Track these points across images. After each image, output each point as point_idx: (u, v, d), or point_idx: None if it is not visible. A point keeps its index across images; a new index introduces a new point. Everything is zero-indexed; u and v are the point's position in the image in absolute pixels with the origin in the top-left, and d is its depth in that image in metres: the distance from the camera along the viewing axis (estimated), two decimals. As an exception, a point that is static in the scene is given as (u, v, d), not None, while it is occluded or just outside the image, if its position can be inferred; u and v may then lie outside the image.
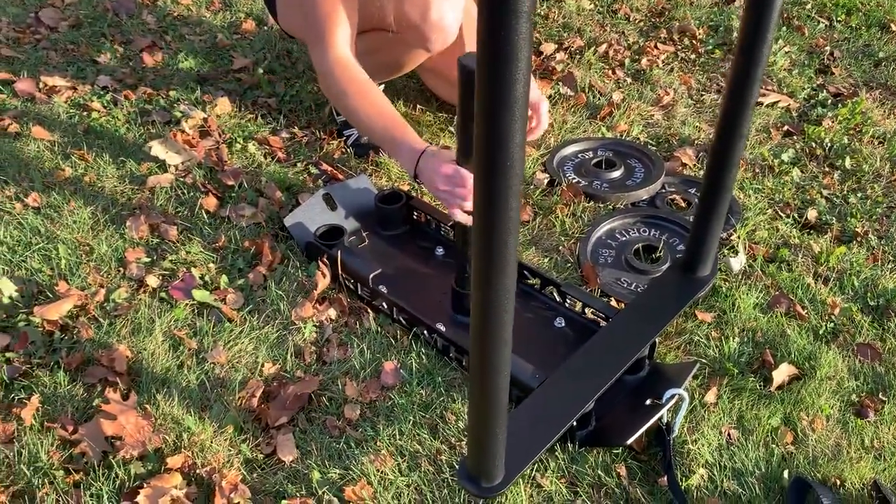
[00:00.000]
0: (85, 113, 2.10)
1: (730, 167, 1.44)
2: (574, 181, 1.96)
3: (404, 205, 1.79)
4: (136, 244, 1.71)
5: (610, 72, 2.50)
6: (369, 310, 1.60)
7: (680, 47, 2.68)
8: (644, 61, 2.56)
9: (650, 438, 1.36)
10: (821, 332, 1.61)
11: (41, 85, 2.19)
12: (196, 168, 1.91)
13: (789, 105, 2.39)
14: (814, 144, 2.21)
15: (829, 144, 2.21)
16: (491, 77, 0.74)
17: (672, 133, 2.23)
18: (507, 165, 0.79)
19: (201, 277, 1.64)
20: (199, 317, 1.56)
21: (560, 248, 1.79)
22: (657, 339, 1.50)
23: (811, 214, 1.94)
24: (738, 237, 1.82)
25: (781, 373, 1.49)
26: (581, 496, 1.28)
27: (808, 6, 2.97)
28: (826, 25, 2.88)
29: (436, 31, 1.71)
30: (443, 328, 1.52)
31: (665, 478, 1.31)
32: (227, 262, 1.68)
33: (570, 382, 1.36)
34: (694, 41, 2.70)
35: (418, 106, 2.23)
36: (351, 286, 1.63)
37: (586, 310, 1.59)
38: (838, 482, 1.33)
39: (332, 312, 1.58)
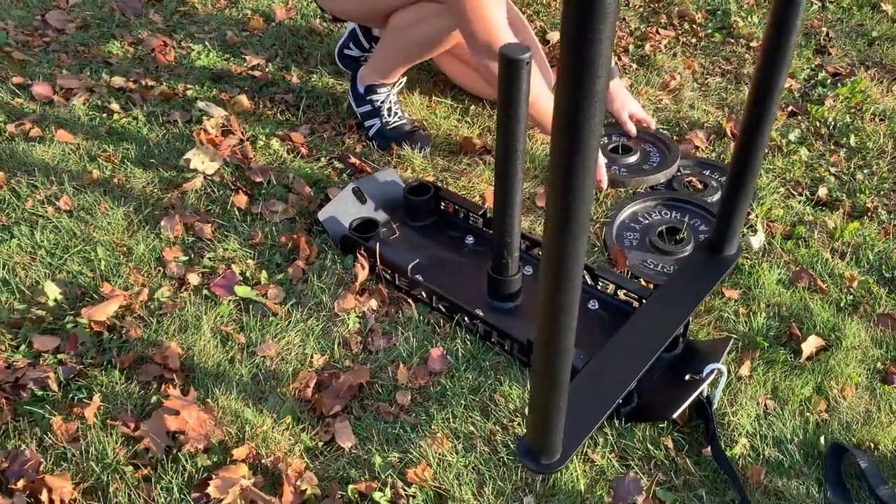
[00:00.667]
0: (105, 115, 2.11)
1: (757, 150, 1.50)
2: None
3: (432, 196, 1.83)
4: (173, 243, 1.73)
5: (615, 58, 2.55)
6: (409, 299, 1.64)
7: (680, 32, 2.74)
8: (647, 47, 2.61)
9: (691, 411, 1.42)
10: (842, 304, 1.68)
11: (57, 88, 2.20)
12: (224, 166, 1.94)
13: (791, 86, 2.45)
14: (818, 124, 2.28)
15: (832, 123, 2.28)
16: (571, 89, 0.79)
17: (681, 117, 2.29)
18: (583, 162, 0.84)
19: (241, 273, 1.67)
20: (243, 312, 1.59)
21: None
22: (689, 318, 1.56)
23: (822, 192, 2.00)
24: (756, 216, 1.89)
25: (810, 344, 1.55)
26: (633, 468, 1.33)
27: (801, -12, 3.03)
28: (819, 6, 2.95)
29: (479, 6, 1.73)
30: (481, 314, 1.58)
31: (709, 448, 1.37)
32: (265, 258, 1.72)
33: (614, 362, 1.41)
34: (694, 25, 2.76)
35: (433, 97, 2.27)
36: (388, 277, 1.67)
37: (619, 292, 1.64)
38: (872, 445, 1.40)
39: (374, 303, 1.62)
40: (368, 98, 2.06)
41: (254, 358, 1.50)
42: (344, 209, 1.79)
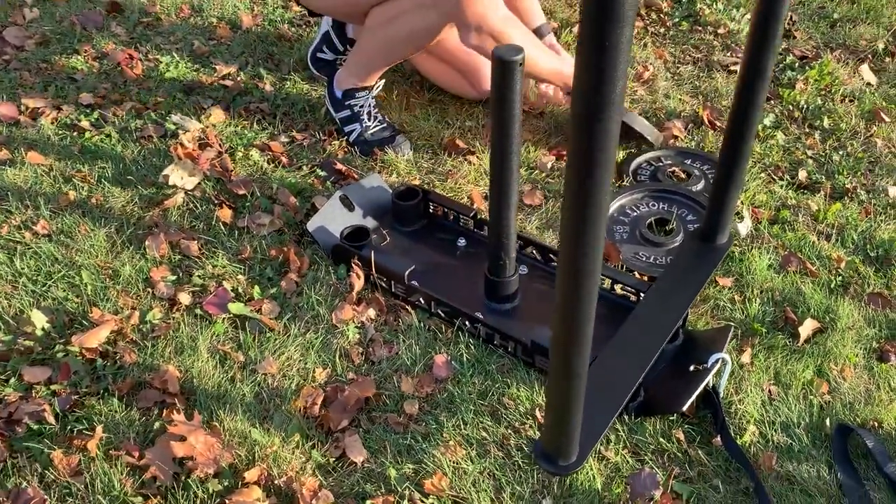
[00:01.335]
0: (75, 133, 2.05)
1: (746, 139, 1.52)
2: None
3: (421, 200, 1.82)
4: (160, 263, 1.69)
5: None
6: (406, 306, 1.63)
7: (648, 21, 2.76)
8: (618, 38, 2.62)
9: (698, 402, 1.43)
10: (832, 286, 1.71)
11: (22, 107, 2.13)
12: (204, 181, 1.90)
13: (761, 71, 2.48)
14: (791, 107, 2.31)
15: (805, 106, 2.31)
16: (588, 95, 0.78)
17: (658, 107, 2.30)
18: (602, 164, 0.83)
19: (233, 290, 1.63)
20: (239, 330, 1.56)
21: (576, 228, 1.84)
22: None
23: (802, 175, 2.04)
24: (742, 202, 1.91)
25: (806, 328, 1.58)
26: (648, 463, 1.34)
27: (761, -27, 3.07)
28: (780, -9, 2.99)
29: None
30: (481, 316, 1.57)
31: (718, 438, 1.38)
32: (256, 273, 1.68)
33: (620, 358, 1.42)
34: (661, 15, 2.78)
35: (411, 98, 2.25)
36: (384, 285, 1.65)
37: (615, 286, 1.64)
38: (876, 424, 1.42)
39: (372, 312, 1.60)
40: (347, 103, 2.02)
41: (255, 376, 1.47)
42: (332, 218, 1.77)
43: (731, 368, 1.46)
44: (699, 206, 1.90)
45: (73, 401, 1.41)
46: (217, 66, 2.33)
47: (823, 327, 1.59)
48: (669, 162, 2.07)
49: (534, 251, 1.73)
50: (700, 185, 1.98)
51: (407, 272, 1.61)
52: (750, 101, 1.47)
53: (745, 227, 1.84)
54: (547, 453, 1.26)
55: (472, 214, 1.78)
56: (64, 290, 1.61)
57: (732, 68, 2.49)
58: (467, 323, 1.56)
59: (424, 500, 1.28)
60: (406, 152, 2.01)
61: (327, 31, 2.26)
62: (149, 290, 1.63)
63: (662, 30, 2.71)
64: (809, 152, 2.13)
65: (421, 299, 1.62)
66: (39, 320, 1.54)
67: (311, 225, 1.74)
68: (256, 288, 1.64)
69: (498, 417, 1.41)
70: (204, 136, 2.03)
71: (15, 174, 1.89)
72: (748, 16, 2.79)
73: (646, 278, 1.72)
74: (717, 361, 1.42)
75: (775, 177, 2.03)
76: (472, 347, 1.53)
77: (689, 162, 2.08)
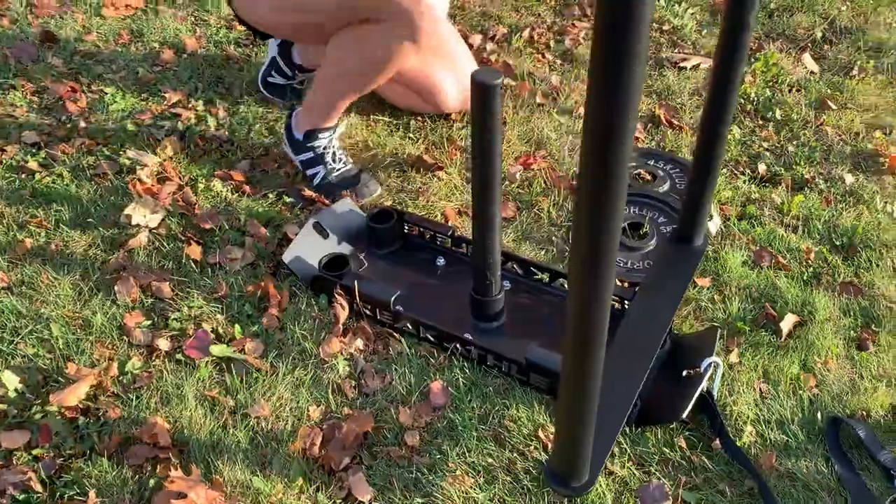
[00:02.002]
0: (24, 175, 1.95)
1: (719, 141, 1.54)
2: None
3: (397, 221, 1.79)
4: (132, 308, 1.62)
5: (540, 56, 2.56)
6: (394, 333, 1.60)
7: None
8: (567, 41, 2.64)
9: (694, 407, 1.45)
10: (805, 278, 1.75)
11: (-38, 151, 2.02)
12: (168, 217, 1.83)
13: (709, 65, 2.53)
14: (743, 100, 2.37)
15: (755, 99, 2.37)
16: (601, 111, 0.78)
17: (615, 108, 2.32)
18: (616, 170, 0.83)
19: (213, 331, 1.58)
20: (225, 372, 1.51)
21: (552, 238, 1.85)
22: (675, 313, 1.59)
23: (761, 168, 2.08)
24: (709, 201, 1.94)
25: (787, 322, 1.61)
26: (654, 474, 1.35)
27: (697, -33, 3.13)
28: (717, -16, 3.06)
29: (428, 16, 1.64)
30: (471, 338, 1.55)
31: (717, 441, 1.40)
32: (235, 311, 1.63)
33: (616, 370, 1.42)
34: (607, 15, 2.80)
35: (372, 116, 2.22)
36: (368, 313, 1.63)
37: (599, 295, 1.65)
38: (864, 413, 1.47)
39: (359, 343, 1.57)
40: (309, 145, 1.94)
41: (247, 420, 1.43)
42: (308, 247, 1.73)
43: (722, 371, 1.48)
44: (668, 208, 1.93)
45: (59, 464, 1.34)
46: (166, 94, 2.26)
47: (803, 321, 1.64)
48: (634, 164, 2.09)
49: (515, 266, 1.72)
50: (666, 186, 2.01)
51: (392, 298, 1.58)
52: (722, 104, 1.49)
53: (714, 226, 1.87)
54: (558, 475, 1.26)
55: (449, 233, 1.76)
56: (34, 346, 1.53)
57: (682, 65, 2.53)
58: (458, 346, 1.55)
59: (439, 534, 1.26)
60: (374, 191, 1.95)
61: (274, 57, 2.20)
62: (124, 338, 1.57)
63: (609, 29, 2.73)
64: (765, 144, 2.19)
65: (408, 325, 1.60)
66: (11, 381, 1.46)
67: (287, 256, 1.69)
68: (237, 327, 1.59)
69: (501, 441, 1.40)
70: (162, 170, 1.95)
71: (-37, 224, 1.79)
72: (690, 10, 2.84)
73: (626, 284, 1.73)
74: (710, 366, 1.44)
75: (737, 172, 2.08)
76: (467, 370, 1.52)
77: (652, 163, 2.10)
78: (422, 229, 1.81)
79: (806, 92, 2.41)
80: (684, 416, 1.39)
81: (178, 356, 1.53)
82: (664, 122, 2.26)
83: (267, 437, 1.40)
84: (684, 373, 1.48)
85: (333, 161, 1.95)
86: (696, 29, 2.74)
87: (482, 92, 1.28)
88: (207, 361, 1.53)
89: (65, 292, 1.64)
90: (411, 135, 2.16)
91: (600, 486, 1.32)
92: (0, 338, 1.55)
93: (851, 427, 1.42)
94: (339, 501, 1.31)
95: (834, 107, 2.33)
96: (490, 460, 1.37)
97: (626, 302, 1.61)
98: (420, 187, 1.98)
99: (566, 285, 1.68)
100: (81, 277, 1.68)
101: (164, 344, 1.55)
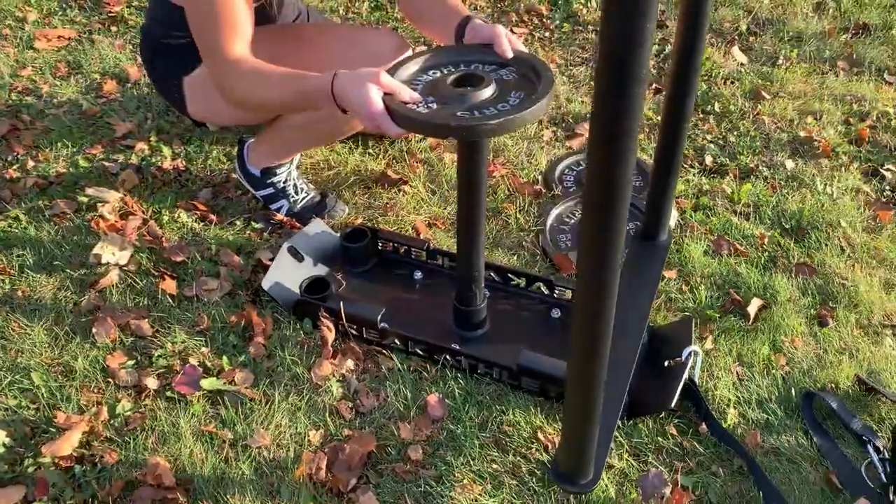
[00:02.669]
0: (-23, 222, 1.89)
1: (680, 139, 1.63)
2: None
3: (371, 239, 1.81)
4: (113, 349, 1.60)
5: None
6: (382, 350, 1.62)
7: (532, 27, 2.85)
8: (509, 47, 2.70)
9: (680, 394, 1.52)
10: (762, 262, 1.86)
11: None
12: (136, 252, 1.80)
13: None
14: (682, 96, 2.47)
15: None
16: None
17: (564, 112, 2.40)
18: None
19: (201, 365, 1.57)
20: (219, 406, 1.50)
21: (522, 243, 1.90)
22: (650, 306, 1.66)
23: (708, 160, 2.19)
24: (666, 196, 2.03)
25: (753, 306, 1.71)
26: (651, 463, 1.41)
27: (622, -32, 3.24)
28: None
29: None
30: (459, 348, 1.59)
31: (704, 426, 1.48)
32: (219, 342, 1.62)
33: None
34: (543, 19, 2.88)
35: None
36: (354, 332, 1.64)
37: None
38: (833, 385, 1.57)
39: (350, 363, 1.59)
40: (269, 181, 1.94)
41: (249, 451, 1.43)
42: (285, 272, 1.73)
43: (701, 358, 1.56)
44: (631, 207, 2.00)
45: (61, 517, 1.31)
46: (115, 126, 2.21)
47: (766, 303, 1.73)
48: (589, 164, 2.16)
49: (492, 273, 1.77)
50: (623, 184, 2.08)
51: (379, 316, 1.60)
52: (680, 104, 1.57)
53: (672, 219, 1.96)
54: (564, 474, 1.31)
55: (425, 247, 1.79)
56: (16, 398, 1.49)
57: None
58: (448, 357, 1.58)
59: (456, 543, 1.29)
60: (341, 213, 1.97)
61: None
62: (110, 380, 1.54)
63: (547, 34, 2.82)
64: (709, 137, 2.30)
65: (396, 341, 1.62)
66: (-2, 436, 1.42)
67: (267, 283, 1.69)
68: (224, 358, 1.58)
69: (503, 447, 1.44)
70: (124, 205, 1.92)
71: (-80, 277, 1.72)
72: (621, 11, 2.94)
73: (598, 282, 1.79)
74: (690, 354, 1.51)
75: (685, 165, 2.17)
76: (460, 380, 1.55)
77: (606, 162, 2.17)
78: (396, 245, 1.83)
79: (739, 84, 2.54)
80: (673, 404, 1.46)
81: (169, 393, 1.52)
82: (612, 121, 2.34)
83: (271, 466, 1.41)
84: (666, 363, 1.55)
85: (295, 193, 1.95)
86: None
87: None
88: (199, 396, 1.52)
89: (39, 339, 1.60)
90: (371, 151, 2.18)
91: (603, 480, 1.38)
92: (-22, 392, 1.50)
93: (824, 399, 1.52)
94: (352, 523, 1.33)
95: (767, 96, 2.46)
96: (495, 466, 1.41)
97: (602, 300, 1.67)
98: (387, 202, 2.00)
99: (543, 288, 1.74)
100: (55, 322, 1.64)
101: (151, 382, 1.53)
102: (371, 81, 1.29)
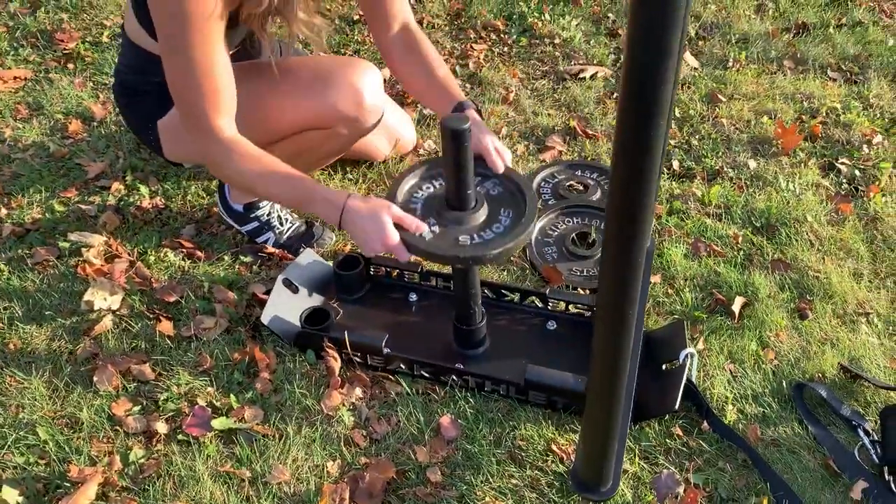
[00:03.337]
0: (-44, 275, 1.84)
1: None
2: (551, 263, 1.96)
3: (364, 266, 1.83)
4: (117, 396, 1.58)
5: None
6: (388, 375, 1.65)
7: (490, 43, 2.91)
8: (471, 65, 2.75)
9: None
10: (739, 261, 1.94)
11: None
12: (127, 296, 1.79)
13: (606, 73, 2.72)
14: (643, 103, 2.56)
15: (653, 100, 2.56)
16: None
17: (532, 125, 2.46)
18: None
19: (209, 405, 1.57)
20: (233, 445, 1.51)
21: (511, 258, 1.95)
22: (642, 312, 1.73)
23: (676, 165, 2.27)
24: (641, 202, 2.10)
25: (737, 305, 1.79)
26: (662, 464, 1.47)
27: (570, -21, 3.33)
28: (592, -7, 3.26)
29: (373, 114, 1.74)
30: (463, 367, 1.63)
31: (705, 423, 1.54)
32: (224, 381, 1.62)
33: (609, 375, 1.54)
34: (500, 34, 2.94)
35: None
36: (359, 359, 1.66)
37: (569, 307, 1.77)
38: (820, 375, 1.66)
39: (358, 391, 1.61)
40: (252, 215, 1.94)
41: (269, 488, 1.44)
42: (283, 305, 1.74)
43: (697, 359, 1.63)
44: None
45: (88, 573, 1.30)
46: (87, 168, 2.18)
47: (749, 301, 1.82)
48: (564, 176, 2.23)
49: (485, 290, 1.80)
50: (598, 194, 2.15)
51: (383, 342, 1.63)
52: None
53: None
54: (585, 483, 1.36)
55: (418, 269, 1.82)
56: (23, 455, 1.47)
57: (581, 76, 2.70)
58: (455, 377, 1.62)
59: (487, 561, 1.33)
60: (329, 241, 1.99)
61: None
62: (118, 429, 1.53)
63: (506, 49, 2.88)
64: (673, 142, 2.38)
65: (402, 365, 1.65)
66: (11, 496, 1.39)
67: (266, 317, 1.70)
68: (232, 396, 1.58)
69: (520, 462, 1.48)
70: (109, 248, 1.90)
71: None
72: (574, 22, 3.02)
73: (587, 292, 1.86)
74: (687, 356, 1.58)
75: (655, 171, 2.25)
76: (470, 399, 1.58)
77: (579, 173, 2.24)
78: (388, 269, 1.86)
79: (696, 88, 2.64)
80: (677, 406, 1.52)
81: (180, 436, 1.51)
82: (580, 132, 2.41)
83: (294, 501, 1.42)
84: (664, 366, 1.61)
85: (280, 224, 1.96)
86: (584, 40, 2.93)
87: (454, 136, 1.35)
88: (211, 437, 1.52)
89: (39, 392, 1.58)
90: (350, 175, 2.20)
91: (618, 485, 1.43)
92: (-18, 452, 1.48)
93: (813, 389, 1.60)
94: (382, 550, 1.35)
95: (723, 99, 2.57)
96: (514, 481, 1.44)
97: (595, 309, 1.73)
98: (373, 228, 2.02)
99: (536, 302, 1.79)
100: (52, 373, 1.62)
101: (161, 427, 1.52)
102: (387, 214, 1.42)
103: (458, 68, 2.73)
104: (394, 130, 2.17)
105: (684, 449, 1.50)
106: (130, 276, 1.84)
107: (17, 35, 2.78)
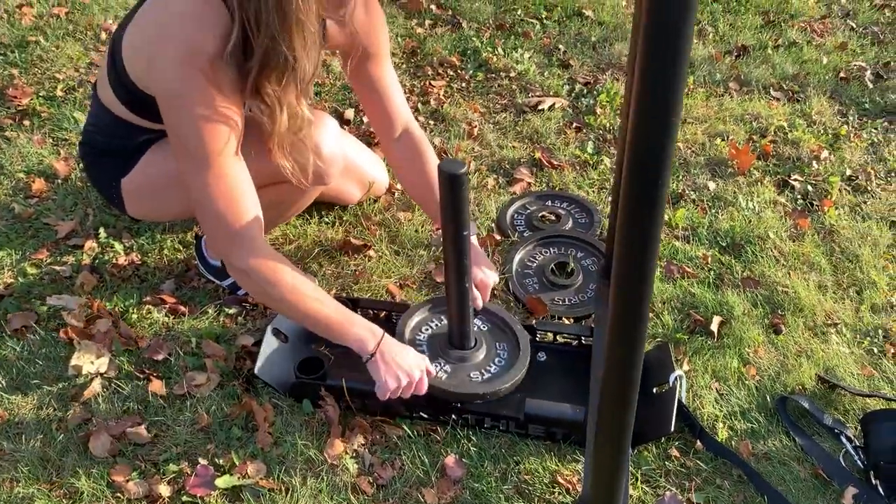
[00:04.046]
0: (-70, 349, 1.79)
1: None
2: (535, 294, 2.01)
3: (352, 308, 1.85)
4: (114, 463, 1.56)
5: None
6: (387, 419, 1.66)
7: (448, 79, 2.97)
8: (432, 101, 2.80)
9: (672, 418, 1.65)
10: (711, 281, 2.02)
11: None
12: (114, 357, 1.76)
13: (563, 104, 2.81)
14: (601, 131, 2.65)
15: (610, 128, 2.66)
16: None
17: (498, 159, 2.52)
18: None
19: (211, 463, 1.56)
20: (238, 502, 1.50)
21: (494, 292, 1.99)
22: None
23: (640, 190, 2.35)
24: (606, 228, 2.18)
25: (715, 324, 1.86)
26: (663, 486, 1.52)
27: (518, 12, 3.43)
28: (540, 25, 3.36)
29: (333, 164, 1.76)
30: (461, 405, 1.65)
31: (699, 443, 1.60)
32: (223, 437, 1.61)
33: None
34: (457, 70, 3.00)
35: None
36: (356, 406, 1.67)
37: (557, 337, 1.81)
38: (800, 387, 1.74)
39: (360, 438, 1.62)
40: None
41: (282, 544, 1.43)
42: (275, 356, 1.74)
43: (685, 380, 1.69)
44: (581, 242, 2.13)
45: None
46: (56, 227, 2.14)
47: (725, 319, 1.89)
48: (535, 207, 2.29)
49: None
50: (570, 223, 2.22)
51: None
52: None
53: (624, 250, 2.10)
54: (596, 513, 1.39)
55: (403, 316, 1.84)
56: (24, 532, 1.44)
57: (539, 107, 2.77)
58: (454, 416, 1.64)
59: None
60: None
61: None
62: (119, 495, 1.50)
63: (464, 84, 2.94)
64: (635, 168, 2.46)
65: (402, 408, 1.66)
66: (16, 575, 1.36)
67: (259, 370, 1.69)
68: (233, 453, 1.58)
69: (528, 496, 1.51)
70: (89, 309, 1.87)
71: None
72: (526, 55, 3.11)
73: (572, 320, 1.91)
74: (676, 378, 1.64)
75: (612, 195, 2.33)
76: (472, 437, 1.61)
77: (549, 203, 2.31)
78: (375, 312, 1.87)
79: (650, 114, 2.73)
80: (673, 428, 1.57)
81: (185, 498, 1.50)
82: (546, 163, 2.48)
83: (308, 555, 1.42)
84: (654, 389, 1.67)
85: None
86: (537, 72, 3.01)
87: (451, 181, 1.40)
88: (216, 496, 1.51)
89: (33, 464, 1.54)
90: (326, 219, 2.21)
91: (626, 510, 1.47)
92: (-21, 532, 1.43)
93: (796, 401, 1.68)
94: None
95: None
96: (524, 515, 1.48)
97: (582, 338, 1.78)
98: (355, 270, 2.04)
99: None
100: (45, 443, 1.59)
101: (164, 490, 1.50)
102: (421, 371, 1.59)
103: (419, 105, 2.77)
104: (365, 174, 2.20)
105: (682, 469, 1.56)
106: (115, 336, 1.81)
107: (-34, 93, 2.72)
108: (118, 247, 2.08)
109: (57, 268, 2.01)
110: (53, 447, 1.58)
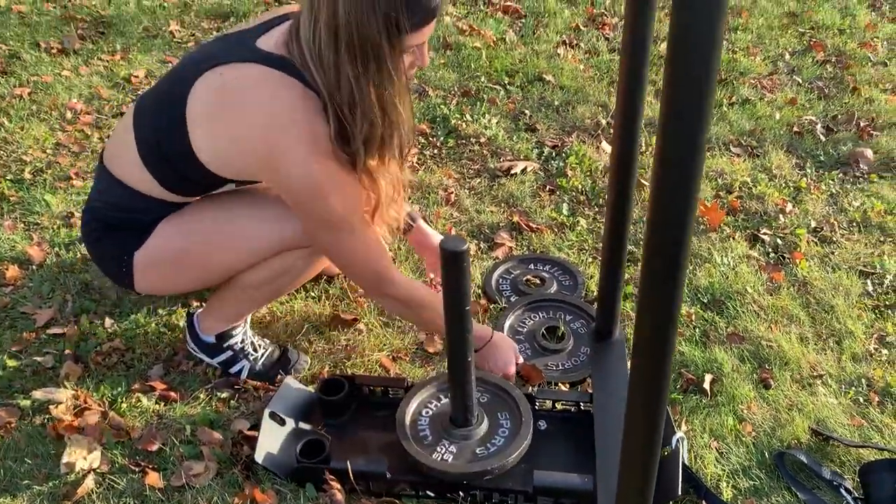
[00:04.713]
0: None
1: (623, 242, 1.81)
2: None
3: (349, 389, 1.83)
4: (114, 563, 1.50)
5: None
6: (394, 499, 1.64)
7: (420, 146, 3.02)
8: (407, 168, 2.83)
9: (676, 480, 1.66)
10: (697, 338, 2.07)
11: None
12: (106, 450, 1.71)
13: (534, 167, 2.87)
14: (575, 193, 2.71)
15: (583, 189, 2.73)
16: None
17: (477, 224, 2.55)
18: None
19: (216, 558, 1.51)
20: None
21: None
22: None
23: (619, 250, 2.41)
24: (591, 290, 2.21)
25: (707, 382, 1.90)
26: (677, 553, 1.53)
27: (482, 78, 3.51)
28: (504, 91, 3.45)
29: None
30: (467, 482, 1.64)
31: (704, 503, 1.62)
32: (227, 529, 1.57)
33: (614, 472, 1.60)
34: (429, 137, 3.05)
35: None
36: (361, 487, 1.65)
37: (555, 404, 1.82)
38: (796, 441, 1.77)
39: (368, 520, 1.59)
40: (225, 345, 1.91)
41: None
42: (275, 440, 1.71)
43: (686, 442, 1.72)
44: (567, 304, 2.16)
45: None
46: (34, 316, 2.09)
47: (716, 377, 1.93)
48: (519, 272, 2.32)
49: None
50: (554, 287, 2.25)
51: (385, 467, 1.62)
52: (623, 210, 1.76)
53: (610, 312, 2.14)
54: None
55: (405, 385, 1.84)
56: None
57: (512, 171, 2.83)
58: (461, 493, 1.63)
59: None
60: (305, 365, 1.97)
61: None
62: None
63: (436, 151, 2.99)
64: (611, 228, 2.53)
65: (407, 488, 1.64)
66: None
67: (259, 456, 1.65)
68: (239, 545, 1.54)
69: (543, 570, 1.50)
70: (77, 401, 1.82)
71: None
72: (495, 120, 3.18)
73: (567, 386, 1.92)
74: (678, 440, 1.66)
75: (598, 259, 2.38)
76: (481, 513, 1.60)
77: (532, 266, 2.34)
78: (371, 388, 1.86)
79: (619, 174, 2.82)
80: (680, 492, 1.59)
81: None
82: (524, 227, 2.52)
83: None
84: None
85: (254, 350, 1.94)
86: (506, 136, 3.08)
87: (453, 258, 1.42)
88: (225, 592, 1.46)
89: (28, 572, 1.48)
90: (312, 294, 2.21)
91: (643, 580, 1.47)
92: None
93: (794, 456, 1.71)
94: None
95: (645, 183, 2.76)
96: (542, 592, 1.46)
97: (581, 404, 1.80)
98: (346, 345, 2.03)
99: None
100: (39, 548, 1.52)
101: (170, 591, 1.45)
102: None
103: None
104: None
105: (693, 532, 1.57)
106: (105, 428, 1.76)
107: (-71, 179, 2.66)
108: (100, 333, 2.04)
109: (38, 359, 1.96)
110: (48, 552, 1.51)
